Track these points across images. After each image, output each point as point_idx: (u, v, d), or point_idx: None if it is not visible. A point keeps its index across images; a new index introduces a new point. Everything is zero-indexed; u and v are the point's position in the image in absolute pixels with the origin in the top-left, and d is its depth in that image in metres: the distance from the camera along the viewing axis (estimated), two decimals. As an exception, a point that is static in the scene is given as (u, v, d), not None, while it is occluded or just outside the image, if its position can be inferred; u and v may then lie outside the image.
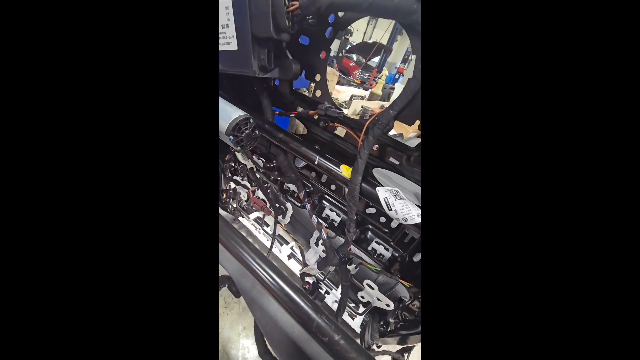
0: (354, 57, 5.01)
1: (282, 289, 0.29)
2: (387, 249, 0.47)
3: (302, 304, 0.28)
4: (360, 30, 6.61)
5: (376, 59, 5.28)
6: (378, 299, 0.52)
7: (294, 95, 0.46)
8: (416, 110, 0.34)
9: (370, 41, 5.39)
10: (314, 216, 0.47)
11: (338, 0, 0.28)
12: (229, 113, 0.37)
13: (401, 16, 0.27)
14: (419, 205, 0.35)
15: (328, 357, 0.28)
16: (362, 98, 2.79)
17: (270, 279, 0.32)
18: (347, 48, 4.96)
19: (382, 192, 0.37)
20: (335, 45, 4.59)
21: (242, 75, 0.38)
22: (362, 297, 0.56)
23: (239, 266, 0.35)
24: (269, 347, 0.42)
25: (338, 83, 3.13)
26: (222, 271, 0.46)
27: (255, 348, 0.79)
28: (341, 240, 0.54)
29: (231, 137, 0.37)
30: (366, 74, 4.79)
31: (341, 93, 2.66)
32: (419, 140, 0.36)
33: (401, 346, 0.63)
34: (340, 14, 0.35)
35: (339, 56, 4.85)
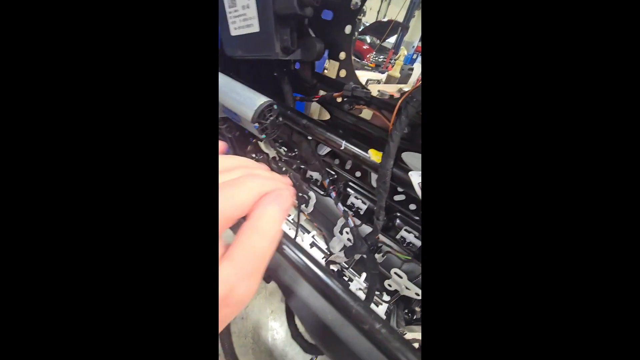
0: (367, 39, 4.72)
1: (317, 275, 0.29)
2: (417, 238, 0.45)
3: (339, 291, 0.27)
4: (374, 9, 6.19)
5: (392, 39, 4.92)
6: (407, 288, 0.51)
7: (316, 78, 0.44)
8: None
9: (385, 20, 5.03)
10: (339, 204, 0.46)
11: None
12: (253, 100, 0.36)
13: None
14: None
15: (365, 342, 0.28)
16: (379, 82, 2.66)
17: (303, 264, 0.32)
18: (360, 30, 4.69)
19: (415, 177, 0.34)
20: (347, 27, 4.34)
21: (260, 61, 0.37)
22: (390, 285, 0.55)
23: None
24: (300, 330, 0.44)
25: (352, 68, 3.00)
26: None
27: (283, 330, 0.83)
28: (366, 228, 0.52)
29: (256, 124, 0.36)
30: (381, 57, 4.52)
31: (356, 78, 2.56)
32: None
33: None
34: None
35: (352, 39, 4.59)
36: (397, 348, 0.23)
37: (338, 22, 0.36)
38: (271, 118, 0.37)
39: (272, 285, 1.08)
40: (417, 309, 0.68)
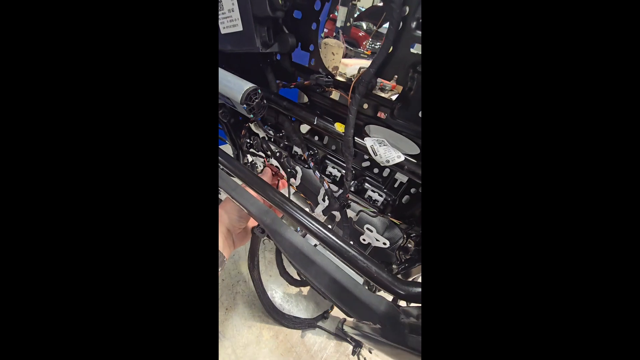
0: (364, 25, 4.65)
1: (297, 218, 0.40)
2: (380, 195, 0.56)
3: (314, 223, 0.38)
4: (369, -7, 6.02)
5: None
6: (376, 240, 0.62)
7: (294, 67, 0.53)
8: (394, 66, 0.39)
9: (381, 4, 4.93)
10: (316, 172, 0.56)
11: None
12: (241, 86, 0.45)
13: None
14: (400, 149, 0.42)
15: (333, 264, 0.39)
16: (372, 69, 2.70)
17: (291, 211, 0.43)
18: (355, 16, 4.61)
19: (369, 142, 0.44)
20: (342, 13, 4.28)
21: (246, 54, 0.46)
22: (364, 240, 0.67)
23: (261, 205, 0.46)
24: (286, 268, 0.55)
25: (345, 56, 3.01)
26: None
27: (280, 289, 0.96)
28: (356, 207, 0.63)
29: (245, 105, 0.46)
30: (377, 43, 4.47)
31: (349, 66, 2.59)
32: (397, 94, 0.42)
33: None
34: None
35: (347, 26, 4.53)
36: (351, 255, 0.34)
37: (306, 20, 0.44)
38: (257, 100, 0.47)
39: (270, 255, 1.20)
40: (395, 266, 0.80)
